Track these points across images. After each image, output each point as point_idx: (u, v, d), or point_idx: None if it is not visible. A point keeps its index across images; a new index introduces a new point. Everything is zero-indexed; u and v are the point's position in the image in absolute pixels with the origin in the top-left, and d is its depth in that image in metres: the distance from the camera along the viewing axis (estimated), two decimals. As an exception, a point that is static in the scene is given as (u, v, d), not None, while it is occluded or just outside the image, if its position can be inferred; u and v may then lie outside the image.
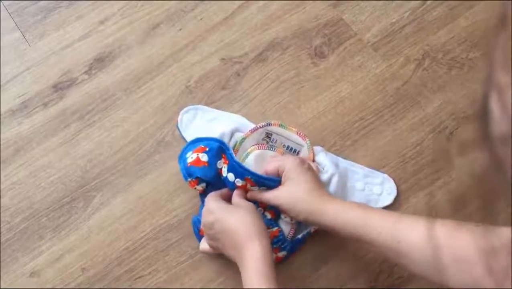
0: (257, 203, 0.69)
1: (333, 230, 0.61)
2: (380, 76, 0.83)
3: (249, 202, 0.66)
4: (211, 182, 0.69)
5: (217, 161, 0.69)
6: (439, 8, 0.88)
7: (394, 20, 0.87)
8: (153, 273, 0.71)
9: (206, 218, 0.65)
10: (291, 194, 0.64)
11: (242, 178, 0.68)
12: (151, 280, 0.71)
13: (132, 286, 0.70)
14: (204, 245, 0.68)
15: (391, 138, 0.78)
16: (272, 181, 0.67)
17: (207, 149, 0.70)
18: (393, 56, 0.84)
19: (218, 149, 0.70)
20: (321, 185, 0.66)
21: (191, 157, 0.69)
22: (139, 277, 0.71)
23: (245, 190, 0.69)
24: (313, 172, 0.67)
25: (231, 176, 0.68)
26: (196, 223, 0.70)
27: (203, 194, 0.70)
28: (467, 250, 0.49)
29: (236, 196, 0.68)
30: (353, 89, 0.82)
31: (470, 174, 0.75)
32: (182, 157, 0.71)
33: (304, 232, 0.70)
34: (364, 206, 0.63)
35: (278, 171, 0.67)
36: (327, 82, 0.83)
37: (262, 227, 0.61)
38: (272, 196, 0.66)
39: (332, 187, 0.71)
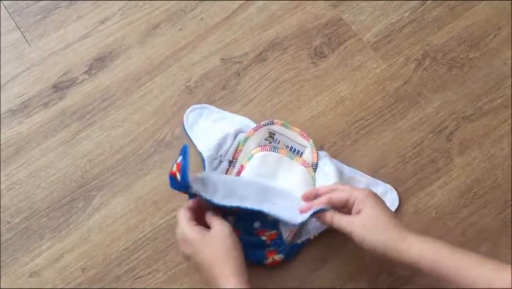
0: (236, 213, 0.63)
1: (413, 268, 0.57)
2: (380, 76, 0.83)
3: (222, 222, 0.61)
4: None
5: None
6: (439, 8, 0.88)
7: (394, 20, 0.87)
8: (153, 273, 0.71)
9: (182, 248, 0.61)
10: (368, 222, 0.59)
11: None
12: (151, 280, 0.71)
13: (132, 286, 0.70)
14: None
15: (391, 138, 0.78)
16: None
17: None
18: (393, 56, 0.84)
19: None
20: (397, 218, 0.61)
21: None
22: (139, 277, 0.71)
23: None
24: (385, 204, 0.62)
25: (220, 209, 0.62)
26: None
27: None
28: None
29: (209, 216, 0.62)
30: (353, 89, 0.82)
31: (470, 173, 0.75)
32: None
33: (304, 239, 0.70)
34: (453, 248, 0.56)
35: (347, 203, 0.62)
36: (327, 82, 0.83)
37: (236, 256, 0.58)
38: (345, 222, 0.60)
39: None
